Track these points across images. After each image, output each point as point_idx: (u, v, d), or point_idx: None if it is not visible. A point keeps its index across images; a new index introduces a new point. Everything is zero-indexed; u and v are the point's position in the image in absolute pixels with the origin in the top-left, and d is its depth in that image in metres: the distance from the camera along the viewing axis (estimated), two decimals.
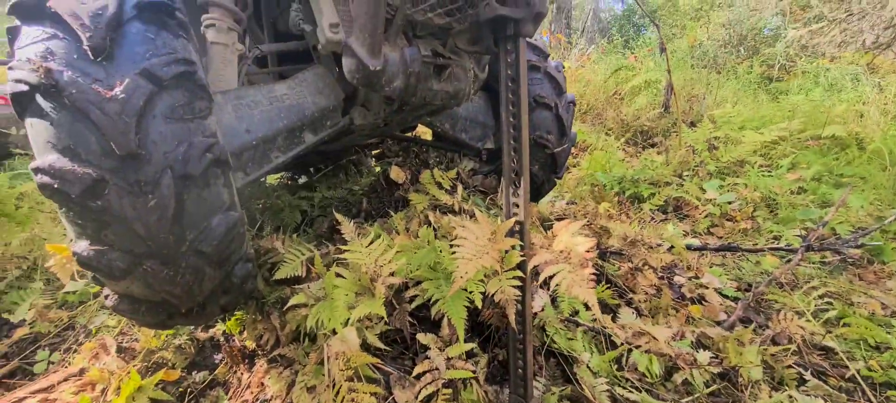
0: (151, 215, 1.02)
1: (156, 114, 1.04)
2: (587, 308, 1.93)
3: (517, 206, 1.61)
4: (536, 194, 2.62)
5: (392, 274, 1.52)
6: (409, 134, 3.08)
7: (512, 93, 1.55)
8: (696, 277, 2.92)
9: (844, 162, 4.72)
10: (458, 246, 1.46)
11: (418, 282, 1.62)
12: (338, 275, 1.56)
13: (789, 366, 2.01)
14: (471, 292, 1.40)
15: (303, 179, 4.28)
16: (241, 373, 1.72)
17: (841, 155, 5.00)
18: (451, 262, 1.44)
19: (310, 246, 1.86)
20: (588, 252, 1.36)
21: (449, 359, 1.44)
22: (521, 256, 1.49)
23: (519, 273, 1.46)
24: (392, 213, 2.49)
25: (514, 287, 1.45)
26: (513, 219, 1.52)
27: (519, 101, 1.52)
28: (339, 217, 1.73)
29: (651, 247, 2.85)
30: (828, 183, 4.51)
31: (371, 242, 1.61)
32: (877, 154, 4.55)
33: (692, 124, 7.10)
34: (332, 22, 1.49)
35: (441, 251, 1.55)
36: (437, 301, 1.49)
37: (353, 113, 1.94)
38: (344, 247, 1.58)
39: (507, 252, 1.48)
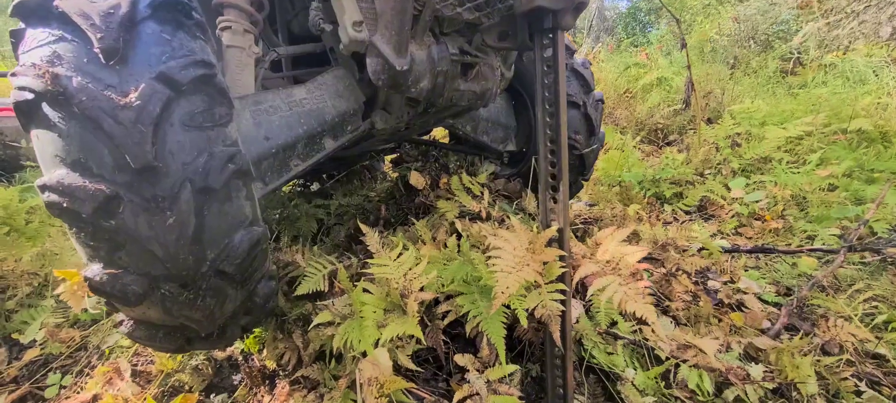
0: (170, 233, 0.92)
1: (173, 122, 0.94)
2: (637, 322, 1.80)
3: (555, 213, 1.49)
4: None
5: (422, 289, 1.41)
6: (426, 137, 2.98)
7: (549, 90, 1.43)
8: (732, 281, 2.77)
9: (873, 156, 4.52)
10: (495, 257, 1.35)
11: (449, 296, 1.51)
12: (365, 291, 1.46)
13: (845, 378, 1.87)
14: (512, 309, 1.28)
15: (315, 186, 4.21)
16: (262, 395, 1.62)
17: (869, 149, 4.81)
18: (488, 275, 1.32)
19: (331, 259, 1.75)
20: (640, 262, 1.24)
21: (489, 382, 1.32)
22: (563, 267, 1.38)
23: (562, 286, 1.35)
24: (413, 221, 2.39)
25: (556, 301, 1.33)
26: (553, 228, 1.40)
27: (557, 100, 1.40)
28: (363, 227, 1.63)
29: (683, 251, 2.71)
30: (859, 178, 4.33)
31: (398, 254, 1.50)
32: None
33: (709, 121, 6.92)
34: (355, 20, 1.39)
35: (475, 262, 1.44)
36: (472, 317, 1.38)
37: (373, 117, 1.84)
38: (370, 261, 1.47)
39: (548, 263, 1.36)
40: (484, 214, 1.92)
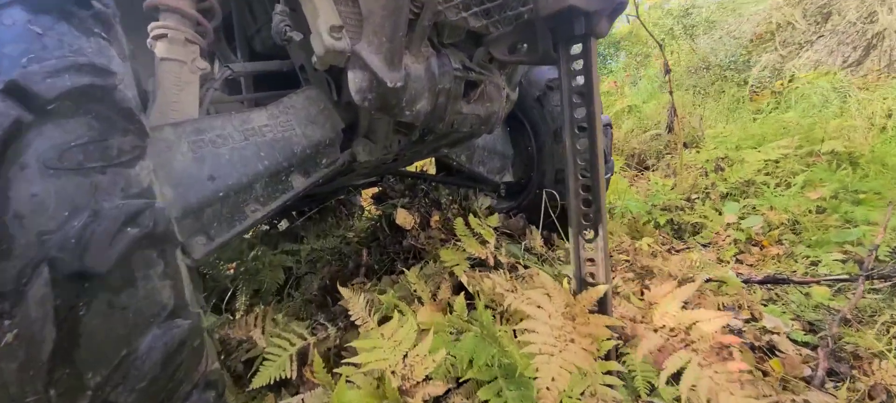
0: (10, 358, 0.53)
1: (27, 163, 0.56)
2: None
3: (593, 263, 1.18)
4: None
5: (429, 379, 1.03)
6: (411, 167, 2.65)
7: (579, 111, 1.15)
8: (754, 318, 2.54)
9: (858, 178, 4.57)
10: (528, 331, 1.00)
11: (464, 382, 1.14)
12: (348, 382, 1.07)
13: None
14: None
15: (284, 224, 3.75)
16: None
17: (849, 170, 4.89)
18: (523, 360, 0.97)
19: (300, 328, 1.35)
20: (727, 335, 0.93)
21: None
22: (615, 340, 1.05)
23: (616, 366, 1.01)
24: (402, 268, 2.01)
25: (610, 386, 0.99)
26: (600, 288, 1.08)
27: (592, 123, 1.11)
28: (342, 290, 1.25)
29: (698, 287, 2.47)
30: (845, 200, 4.34)
31: (392, 332, 1.12)
32: (889, 167, 4.42)
33: (685, 145, 7.01)
34: (332, 24, 1.06)
35: (501, 340, 1.08)
36: None
37: (354, 147, 1.49)
38: (356, 343, 1.09)
39: (595, 336, 1.03)
40: (491, 261, 1.58)
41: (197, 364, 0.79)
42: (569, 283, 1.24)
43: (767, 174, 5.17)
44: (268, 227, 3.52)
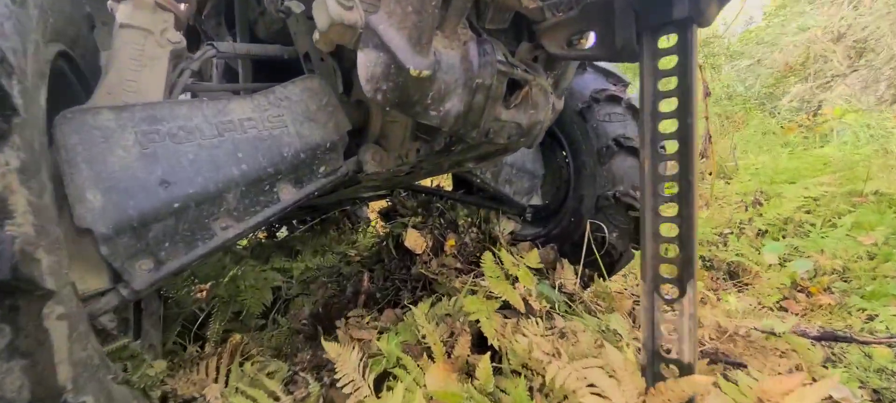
0: None
1: None
2: None
3: (675, 334, 0.85)
4: (609, 271, 1.88)
5: None
6: (425, 182, 2.35)
7: (664, 125, 0.84)
8: (814, 380, 2.17)
9: None
10: None
11: None
12: None
13: None
14: None
15: (283, 232, 3.46)
16: None
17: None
18: None
19: (273, 386, 1.04)
20: None
21: None
22: None
23: None
24: (408, 303, 1.70)
25: None
26: (701, 381, 0.75)
27: (688, 141, 0.80)
28: (329, 348, 0.94)
29: (750, 341, 2.11)
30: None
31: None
32: None
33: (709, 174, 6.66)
34: None
35: None
36: None
37: (362, 154, 1.20)
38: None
39: None
40: (521, 307, 1.26)
41: None
42: (636, 354, 0.92)
43: (807, 212, 4.80)
44: (263, 237, 3.24)
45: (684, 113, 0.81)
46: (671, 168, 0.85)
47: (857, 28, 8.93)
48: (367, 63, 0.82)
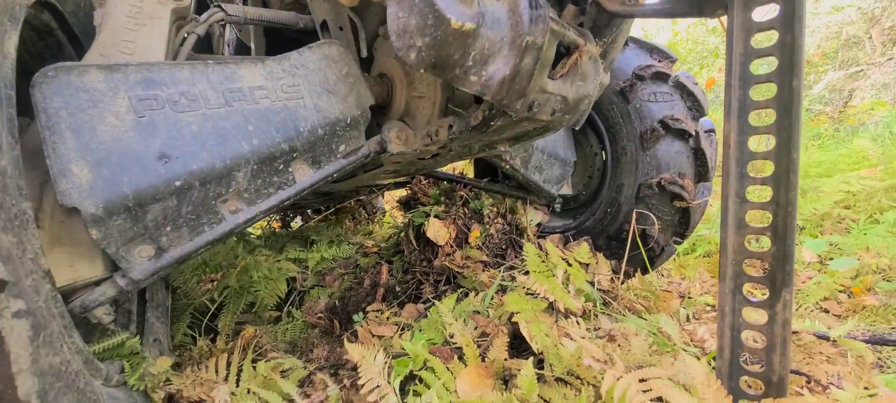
0: None
1: None
2: None
3: (763, 342, 0.71)
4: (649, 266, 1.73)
5: None
6: (446, 169, 2.22)
7: (757, 91, 0.69)
8: (868, 391, 1.99)
9: None
10: None
11: None
12: None
13: None
14: None
15: (298, 222, 3.38)
16: None
17: None
18: None
19: (288, 387, 0.93)
20: None
21: None
22: None
23: None
24: (431, 296, 1.59)
25: None
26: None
27: (794, 110, 0.66)
28: (351, 349, 0.83)
29: (799, 343, 1.93)
30: None
31: None
32: None
33: None
34: None
35: None
36: None
37: (385, 133, 1.08)
38: None
39: None
40: (560, 306, 1.12)
41: None
42: (710, 364, 0.78)
43: (846, 207, 4.53)
44: (278, 225, 3.16)
45: (788, 75, 0.66)
46: (764, 143, 0.70)
47: (894, 11, 8.42)
48: (399, 14, 0.69)
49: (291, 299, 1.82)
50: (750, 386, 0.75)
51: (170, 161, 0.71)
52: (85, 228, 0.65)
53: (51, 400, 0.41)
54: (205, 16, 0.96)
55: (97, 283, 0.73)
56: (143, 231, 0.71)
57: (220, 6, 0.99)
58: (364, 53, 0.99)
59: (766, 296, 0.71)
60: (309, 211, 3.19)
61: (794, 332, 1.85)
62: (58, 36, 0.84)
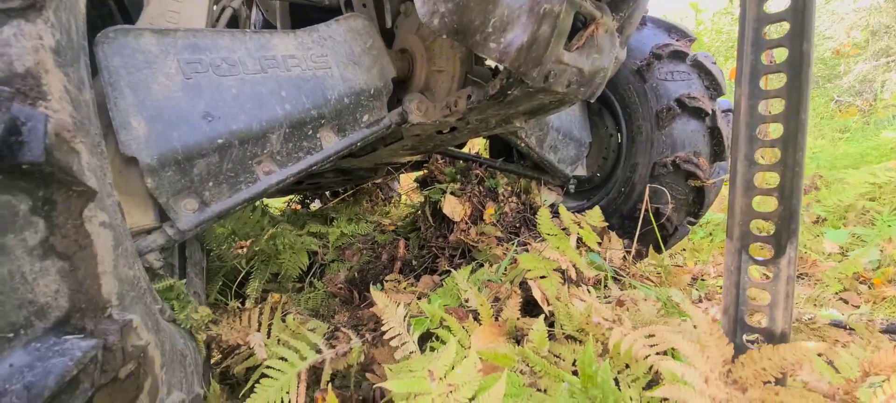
0: None
1: None
2: None
3: (768, 300, 0.75)
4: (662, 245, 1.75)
5: None
6: (462, 148, 2.26)
7: (768, 55, 0.72)
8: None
9: None
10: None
11: None
12: None
13: None
14: None
15: (317, 204, 3.48)
16: None
17: None
18: None
19: (315, 338, 1.00)
20: None
21: None
22: None
23: None
24: (447, 267, 1.65)
25: None
26: (803, 347, 0.65)
27: (803, 73, 0.68)
28: (377, 296, 0.89)
29: (814, 329, 1.93)
30: None
31: (444, 368, 0.75)
32: None
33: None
34: None
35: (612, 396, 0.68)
36: None
37: (407, 104, 1.13)
38: (390, 381, 0.72)
39: None
40: (572, 273, 1.17)
41: None
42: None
43: (871, 199, 4.40)
44: (297, 206, 3.26)
45: (799, 39, 0.68)
46: (773, 107, 0.73)
47: None
48: None
49: (313, 271, 1.90)
50: (753, 341, 0.78)
51: (213, 120, 0.78)
52: (140, 178, 0.73)
53: (126, 305, 0.47)
54: None
55: (148, 232, 0.81)
56: (190, 184, 0.78)
57: None
58: (388, 24, 1.03)
59: (771, 255, 0.74)
60: (327, 193, 3.28)
61: (811, 319, 1.85)
62: (110, 5, 0.91)
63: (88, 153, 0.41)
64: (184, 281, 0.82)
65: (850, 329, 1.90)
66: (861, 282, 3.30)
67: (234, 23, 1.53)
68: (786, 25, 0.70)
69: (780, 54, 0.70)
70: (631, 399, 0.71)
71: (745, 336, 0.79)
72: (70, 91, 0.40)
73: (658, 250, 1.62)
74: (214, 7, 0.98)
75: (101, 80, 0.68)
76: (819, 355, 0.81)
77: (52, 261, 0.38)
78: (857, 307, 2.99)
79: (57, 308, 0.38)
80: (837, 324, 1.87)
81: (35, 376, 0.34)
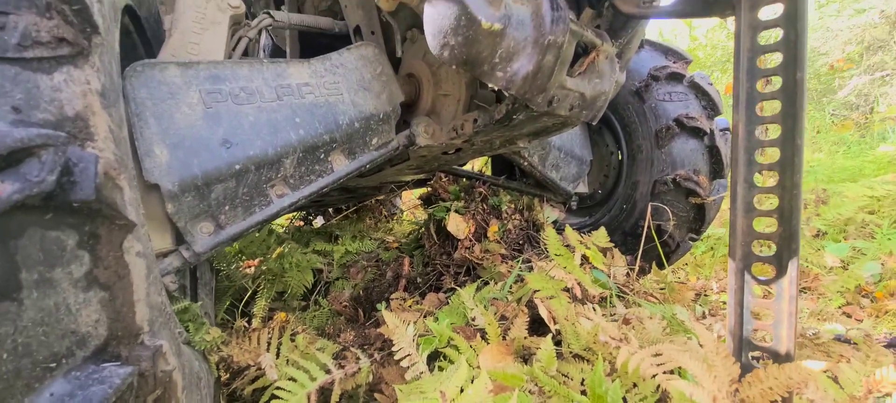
0: None
1: None
2: None
3: (770, 319, 0.77)
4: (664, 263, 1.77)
5: None
6: (465, 167, 2.30)
7: (763, 84, 0.75)
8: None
9: None
10: None
11: None
12: None
13: None
14: None
15: (319, 221, 3.51)
16: None
17: None
18: None
19: (325, 359, 1.01)
20: None
21: None
22: None
23: None
24: (452, 286, 1.66)
25: None
26: (801, 368, 0.67)
27: (798, 100, 0.71)
28: (387, 316, 0.91)
29: (818, 344, 1.93)
30: None
31: (455, 389, 0.76)
32: None
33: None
34: None
35: None
36: None
37: (414, 128, 1.16)
38: (401, 399, 0.74)
39: None
40: (577, 291, 1.19)
41: None
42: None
43: (871, 212, 4.43)
44: (300, 223, 3.29)
45: (792, 68, 0.71)
46: (770, 133, 0.76)
47: None
48: (435, 16, 0.78)
49: (318, 289, 1.91)
50: (758, 360, 0.80)
51: (231, 147, 0.81)
52: (160, 204, 0.75)
53: (155, 331, 0.49)
54: (256, 21, 1.07)
55: (165, 254, 0.83)
56: (207, 208, 0.81)
57: (268, 13, 1.10)
58: (399, 53, 1.08)
59: (772, 275, 0.76)
60: (330, 210, 3.31)
61: (815, 334, 1.86)
62: (133, 38, 0.95)
63: (129, 188, 0.44)
64: (198, 303, 0.84)
65: (854, 343, 1.91)
66: (863, 296, 3.30)
67: (247, 51, 1.58)
68: (779, 56, 0.73)
69: (775, 83, 0.74)
70: None
71: (750, 355, 0.81)
72: (113, 130, 0.43)
73: (661, 266, 1.63)
74: (231, 38, 1.03)
75: (127, 111, 0.71)
76: (824, 371, 0.82)
77: (95, 292, 0.40)
78: (860, 321, 2.98)
79: (96, 336, 0.40)
80: (841, 339, 1.87)
81: (83, 399, 0.36)
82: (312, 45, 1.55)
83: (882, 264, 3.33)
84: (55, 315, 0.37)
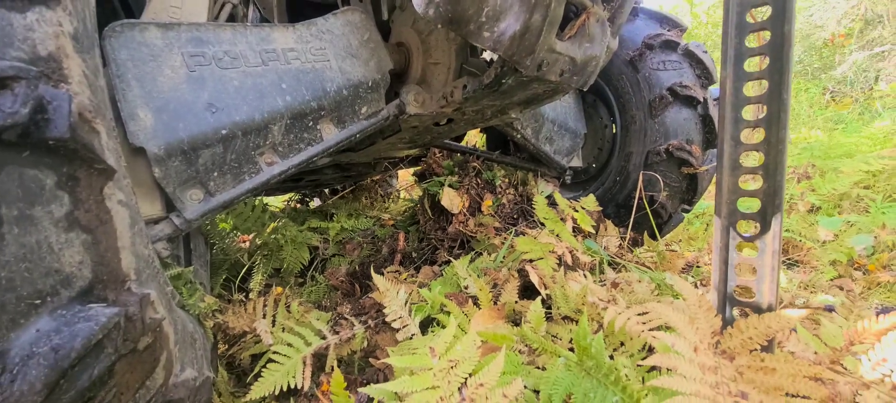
0: None
1: None
2: None
3: (754, 274, 0.78)
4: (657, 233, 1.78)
5: None
6: (460, 141, 2.29)
7: (756, 32, 0.75)
8: (885, 362, 2.00)
9: None
10: (662, 370, 0.63)
11: None
12: None
13: None
14: None
15: (316, 202, 3.51)
16: None
17: None
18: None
19: (319, 325, 1.03)
20: None
21: None
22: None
23: None
24: (447, 258, 1.68)
25: None
26: (791, 318, 0.68)
27: (784, 56, 0.71)
28: (378, 280, 0.92)
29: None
30: None
31: (445, 347, 0.78)
32: None
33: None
34: None
35: (619, 381, 0.71)
36: None
37: (404, 96, 1.15)
38: (392, 359, 0.75)
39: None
40: (567, 258, 1.20)
41: (143, 378, 0.47)
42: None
43: (866, 187, 4.46)
44: (296, 204, 3.29)
45: (780, 21, 0.71)
46: (758, 88, 0.76)
47: None
48: None
49: (314, 265, 1.93)
50: (743, 314, 0.81)
51: (217, 111, 0.80)
52: (147, 169, 0.75)
53: (143, 280, 0.50)
54: None
55: (156, 221, 0.83)
56: (195, 174, 0.81)
57: None
58: (385, 16, 1.06)
59: (757, 230, 0.77)
60: (326, 191, 3.31)
61: (805, 303, 1.89)
62: (114, 3, 0.94)
63: (106, 134, 0.44)
64: (191, 268, 0.84)
65: (832, 310, 1.95)
66: (856, 269, 3.34)
67: (232, 19, 1.55)
68: (768, 9, 0.72)
69: (764, 36, 0.73)
70: (624, 367, 0.74)
71: (733, 310, 0.82)
72: (88, 76, 0.42)
73: (653, 237, 1.65)
74: (214, 3, 1.01)
75: (108, 73, 0.70)
76: (805, 326, 0.84)
77: (76, 233, 0.40)
78: (851, 292, 3.02)
79: (81, 278, 0.41)
80: (831, 309, 1.90)
81: (61, 339, 0.36)
82: (300, 16, 1.53)
83: (875, 237, 3.35)
84: (38, 252, 0.37)
